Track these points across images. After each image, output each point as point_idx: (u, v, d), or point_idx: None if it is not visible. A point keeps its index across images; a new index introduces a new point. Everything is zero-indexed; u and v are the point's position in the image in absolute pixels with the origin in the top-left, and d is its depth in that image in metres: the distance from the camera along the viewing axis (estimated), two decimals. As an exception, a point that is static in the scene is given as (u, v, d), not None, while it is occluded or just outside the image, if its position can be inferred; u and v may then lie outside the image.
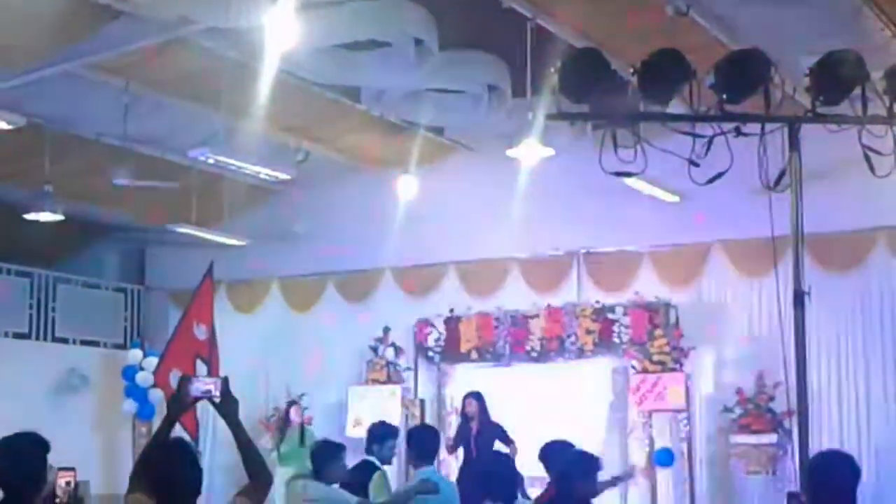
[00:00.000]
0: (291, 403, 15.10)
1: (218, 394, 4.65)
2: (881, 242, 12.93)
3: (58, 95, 12.05)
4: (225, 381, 4.73)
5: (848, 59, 5.88)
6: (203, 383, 4.66)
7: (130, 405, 16.12)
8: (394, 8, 10.23)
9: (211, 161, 12.96)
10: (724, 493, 13.42)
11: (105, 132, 13.19)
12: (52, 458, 5.21)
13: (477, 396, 12.62)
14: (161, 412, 15.94)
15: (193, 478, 4.52)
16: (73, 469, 5.86)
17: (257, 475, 4.64)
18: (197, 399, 4.64)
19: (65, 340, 16.80)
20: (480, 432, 12.36)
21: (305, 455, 9.27)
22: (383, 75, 11.27)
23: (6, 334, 16.06)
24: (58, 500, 5.15)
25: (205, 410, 8.40)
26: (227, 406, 4.70)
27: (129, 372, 16.17)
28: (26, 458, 4.89)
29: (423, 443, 8.19)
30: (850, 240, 12.91)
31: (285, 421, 14.94)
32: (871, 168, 5.96)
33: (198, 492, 4.56)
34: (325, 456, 8.03)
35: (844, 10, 9.51)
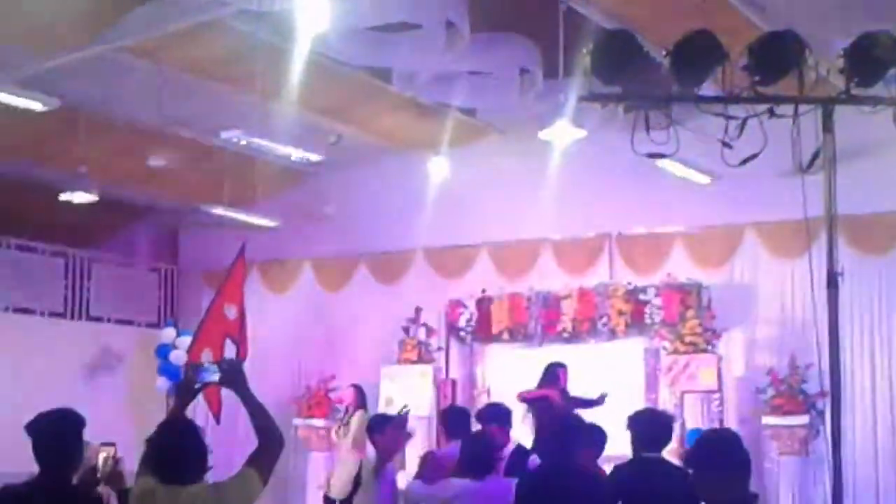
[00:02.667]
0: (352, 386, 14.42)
1: (217, 378, 4.88)
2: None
3: (92, 78, 12.12)
4: (224, 363, 5.12)
5: (883, 40, 5.84)
6: (207, 371, 4.99)
7: (164, 383, 16.24)
8: (424, -11, 10.25)
9: (243, 143, 13.03)
10: (756, 474, 13.27)
11: (139, 114, 13.27)
12: (89, 436, 5.29)
13: (565, 368, 11.88)
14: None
15: (193, 456, 4.58)
16: (113, 444, 5.97)
17: (265, 437, 4.71)
18: (202, 386, 4.93)
19: (99, 319, 16.96)
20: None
21: None
22: (415, 58, 11.29)
23: (42, 313, 16.23)
24: (98, 475, 5.26)
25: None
26: (230, 383, 4.89)
27: (163, 350, 16.28)
28: (62, 435, 4.99)
29: (457, 421, 8.26)
30: (884, 221, 12.85)
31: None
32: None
33: (201, 469, 4.62)
34: None
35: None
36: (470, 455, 7.38)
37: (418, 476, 7.95)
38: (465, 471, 7.32)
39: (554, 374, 11.72)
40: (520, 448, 8.59)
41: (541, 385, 11.66)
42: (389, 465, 7.65)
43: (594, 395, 11.76)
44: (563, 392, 11.63)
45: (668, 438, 7.00)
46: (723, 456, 4.81)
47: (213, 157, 14.57)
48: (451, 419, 8.59)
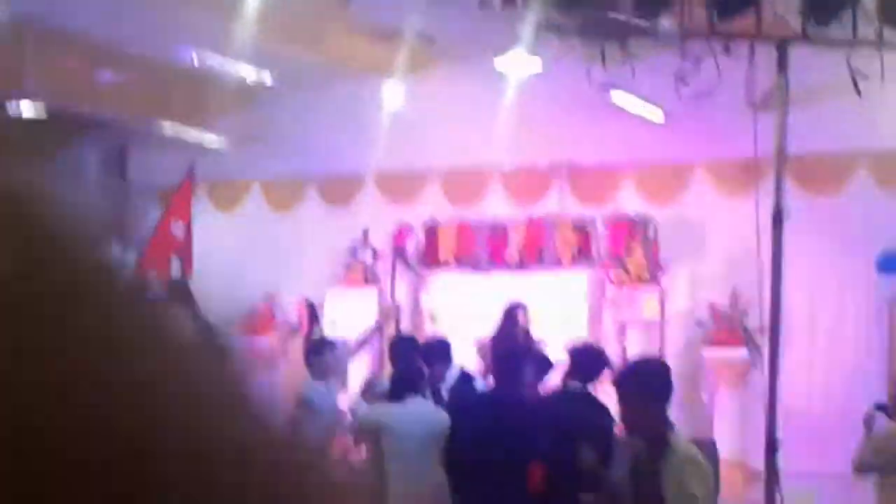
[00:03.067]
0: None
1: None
2: (864, 165, 13.04)
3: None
4: (172, 284, 4.97)
5: (840, -19, 5.89)
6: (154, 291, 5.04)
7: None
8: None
9: (195, 61, 12.89)
10: (693, 405, 13.63)
11: (89, 29, 13.06)
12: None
13: (525, 308, 11.60)
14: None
15: None
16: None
17: None
18: None
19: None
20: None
21: None
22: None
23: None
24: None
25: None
26: (175, 299, 4.87)
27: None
28: None
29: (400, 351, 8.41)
30: (833, 162, 13.01)
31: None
32: (858, 91, 6.00)
33: None
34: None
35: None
36: (396, 379, 7.65)
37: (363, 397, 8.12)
38: (392, 394, 7.55)
39: (513, 315, 11.49)
40: (463, 374, 8.73)
41: (501, 326, 11.39)
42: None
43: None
44: (525, 333, 11.52)
45: (595, 372, 7.06)
46: (644, 386, 4.93)
47: (163, 74, 14.39)
48: (396, 350, 8.67)
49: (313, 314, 14.13)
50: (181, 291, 4.97)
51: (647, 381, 4.99)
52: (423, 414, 7.19)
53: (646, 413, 4.90)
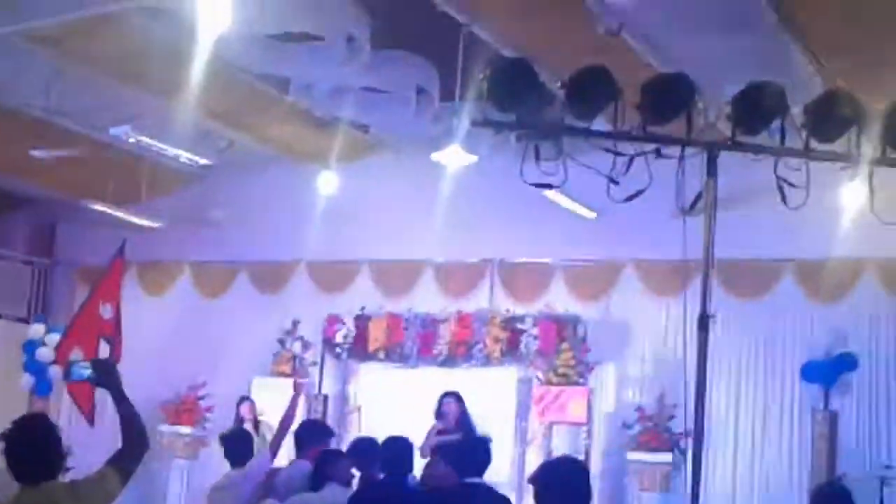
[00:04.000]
0: (243, 399, 14.03)
1: (88, 374, 4.87)
2: (790, 272, 13.21)
3: (-20, 61, 11.86)
4: (97, 362, 5.26)
5: (770, 90, 6.01)
6: (80, 367, 5.00)
7: (28, 380, 15.88)
8: (328, 2, 10.24)
9: (132, 140, 12.88)
10: (618, 508, 13.59)
11: (27, 103, 12.99)
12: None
13: (457, 397, 11.44)
14: (58, 389, 15.82)
15: (46, 454, 4.51)
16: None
17: (131, 439, 4.66)
18: (74, 382, 4.96)
19: (-35, 310, 16.53)
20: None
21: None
22: (313, 68, 11.26)
23: None
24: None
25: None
26: (102, 383, 4.90)
27: (30, 347, 15.92)
28: None
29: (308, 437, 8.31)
30: (759, 268, 13.17)
31: (238, 420, 13.66)
32: (784, 199, 6.09)
33: (55, 467, 4.54)
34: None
35: (772, 42, 9.71)
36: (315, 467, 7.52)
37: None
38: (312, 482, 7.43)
39: (438, 406, 11.37)
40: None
41: (435, 416, 11.33)
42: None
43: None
44: (458, 421, 11.30)
45: (487, 463, 6.96)
46: (562, 486, 4.88)
47: (100, 152, 14.32)
48: (304, 435, 8.50)
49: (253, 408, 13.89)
50: (105, 372, 4.88)
51: (566, 481, 4.93)
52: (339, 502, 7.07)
53: None
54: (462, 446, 7.36)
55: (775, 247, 12.88)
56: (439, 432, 11.03)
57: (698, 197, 6.05)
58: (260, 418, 13.68)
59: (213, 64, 11.00)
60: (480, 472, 6.74)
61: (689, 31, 9.88)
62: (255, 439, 11.65)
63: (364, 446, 8.13)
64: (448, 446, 7.31)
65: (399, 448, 7.51)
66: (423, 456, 10.15)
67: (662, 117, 6.04)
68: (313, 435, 8.38)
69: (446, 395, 11.51)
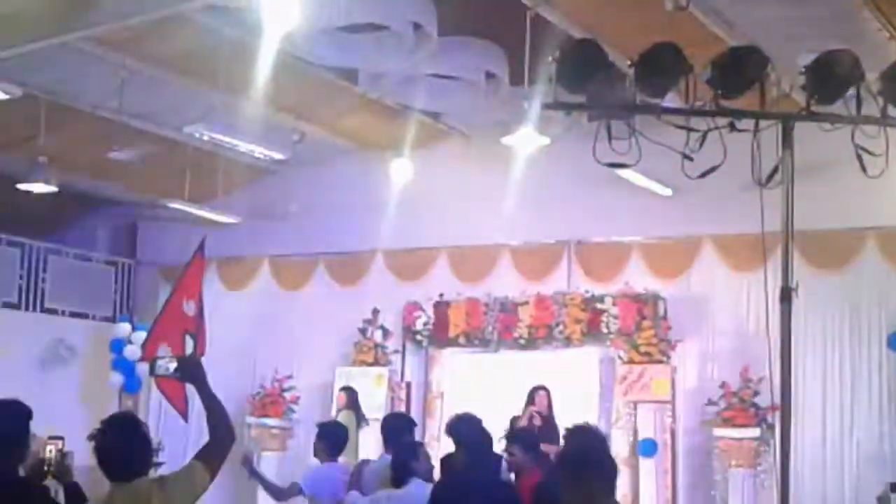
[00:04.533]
0: (343, 389, 14.21)
1: (173, 368, 4.96)
2: (871, 242, 13.01)
3: (56, 67, 12.06)
4: (181, 359, 5.32)
5: (844, 58, 5.91)
6: (164, 363, 5.09)
7: (117, 378, 16.17)
8: (394, -9, 10.28)
9: (206, 138, 13.02)
10: (706, 485, 13.49)
11: (102, 106, 13.20)
12: (40, 429, 5.27)
13: (548, 391, 12.36)
14: (147, 386, 16.08)
15: (136, 452, 4.58)
16: (61, 438, 5.98)
17: (218, 432, 4.71)
18: (161, 377, 5.02)
19: (54, 311, 16.83)
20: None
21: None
22: (381, 58, 11.30)
23: (-4, 303, 16.11)
24: (47, 468, 5.26)
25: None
26: (188, 377, 4.91)
27: (117, 345, 16.20)
28: (8, 426, 4.97)
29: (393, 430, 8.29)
30: (840, 238, 12.99)
31: (338, 410, 13.96)
32: (863, 168, 5.99)
33: (145, 464, 4.61)
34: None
35: (844, 9, 9.55)
36: (394, 463, 7.44)
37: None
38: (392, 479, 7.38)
39: (531, 397, 12.21)
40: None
41: (525, 407, 12.10)
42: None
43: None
44: (544, 416, 11.96)
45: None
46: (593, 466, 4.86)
47: (175, 151, 14.52)
48: (388, 428, 8.51)
49: (353, 399, 13.96)
50: (190, 367, 4.94)
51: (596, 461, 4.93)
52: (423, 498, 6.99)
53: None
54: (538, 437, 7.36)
55: (855, 216, 12.71)
56: (531, 416, 11.72)
57: (775, 169, 5.97)
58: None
59: (282, 58, 11.10)
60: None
61: (758, 2, 9.76)
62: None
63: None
64: (528, 435, 7.33)
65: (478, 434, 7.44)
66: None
67: (735, 91, 5.97)
68: (397, 428, 8.39)
69: (538, 388, 12.27)
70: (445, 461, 7.55)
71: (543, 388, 12.34)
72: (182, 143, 14.07)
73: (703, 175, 6.12)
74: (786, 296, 5.93)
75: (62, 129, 13.51)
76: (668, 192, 13.19)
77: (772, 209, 5.99)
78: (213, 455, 4.68)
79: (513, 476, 7.70)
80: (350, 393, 14.01)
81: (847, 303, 13.15)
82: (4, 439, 4.97)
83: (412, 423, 8.97)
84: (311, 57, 11.44)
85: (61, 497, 5.29)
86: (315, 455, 8.87)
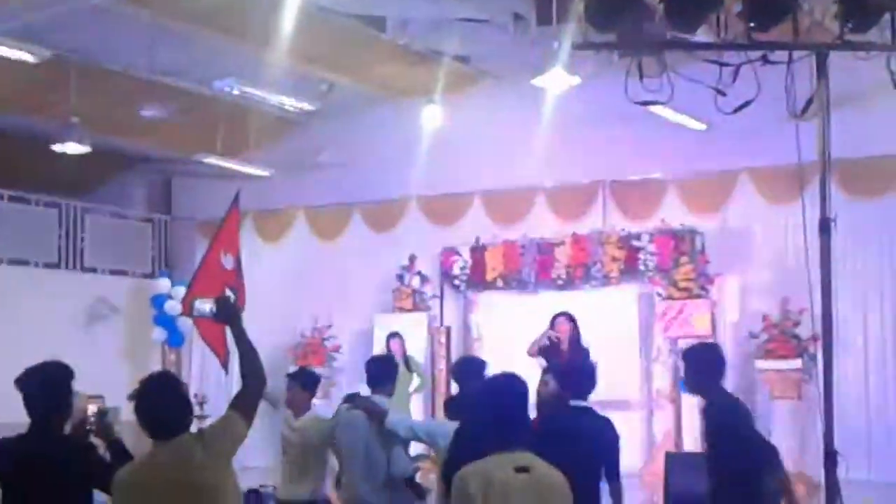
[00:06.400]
0: (392, 336, 13.91)
1: (211, 309, 5.06)
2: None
3: (84, 28, 12.08)
4: (220, 299, 5.26)
5: (877, -15, 5.83)
6: (202, 303, 5.09)
7: (160, 333, 16.31)
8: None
9: (236, 92, 13.03)
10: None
11: (131, 64, 13.22)
12: (83, 386, 5.35)
13: (569, 317, 11.48)
14: (189, 340, 16.21)
15: (175, 410, 4.62)
16: (101, 396, 6.06)
17: (248, 377, 4.76)
18: (199, 318, 5.01)
19: (94, 270, 16.99)
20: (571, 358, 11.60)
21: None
22: (408, 4, 11.25)
23: (36, 264, 16.24)
24: (89, 427, 5.33)
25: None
26: (223, 315, 4.97)
27: (158, 301, 16.33)
28: (51, 386, 5.05)
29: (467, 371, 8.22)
30: (877, 165, 12.86)
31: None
32: (900, 94, 5.92)
33: (185, 421, 4.66)
34: None
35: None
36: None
37: None
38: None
39: (551, 325, 11.39)
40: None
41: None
42: None
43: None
44: (571, 341, 11.46)
45: (593, 387, 6.83)
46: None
47: (205, 106, 14.54)
48: (459, 372, 8.45)
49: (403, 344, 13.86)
50: (227, 307, 5.00)
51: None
52: None
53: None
54: (571, 369, 7.27)
55: (892, 143, 12.56)
56: (549, 342, 11.14)
57: (810, 101, 5.91)
58: (408, 354, 13.79)
59: (307, 9, 11.06)
60: (585, 396, 6.69)
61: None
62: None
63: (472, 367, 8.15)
64: (558, 367, 7.25)
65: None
66: (529, 355, 10.80)
67: (767, 22, 5.89)
68: (470, 370, 8.32)
69: (559, 315, 11.59)
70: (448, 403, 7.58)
71: (565, 314, 11.51)
72: (212, 98, 14.09)
73: (738, 110, 6.07)
74: (825, 227, 5.89)
75: (93, 89, 13.55)
76: (702, 126, 13.10)
77: (807, 140, 5.94)
78: (247, 402, 4.74)
79: None
80: (401, 340, 13.82)
81: (887, 232, 13.05)
82: (49, 401, 5.05)
83: (483, 364, 8.69)
84: (337, 6, 11.40)
85: (107, 455, 5.36)
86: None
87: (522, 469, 4.48)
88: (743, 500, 6.04)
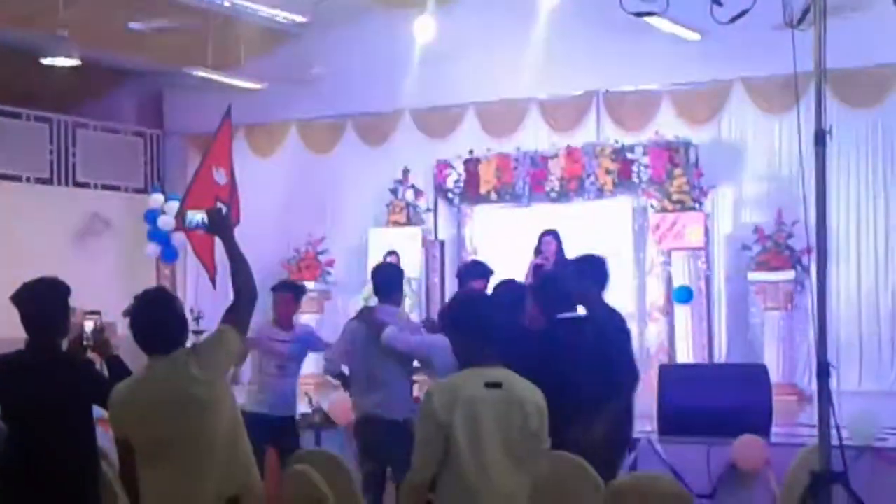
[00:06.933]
0: (390, 253, 13.90)
1: (203, 220, 5.02)
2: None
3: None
4: (211, 210, 5.12)
5: None
6: (193, 214, 5.05)
7: (154, 248, 16.29)
8: None
9: (226, 3, 12.87)
10: (742, 329, 13.58)
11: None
12: (78, 302, 5.35)
13: (555, 235, 11.95)
14: (184, 255, 16.21)
15: (170, 326, 4.64)
16: (98, 312, 6.04)
17: (243, 291, 4.77)
18: (191, 229, 4.95)
19: (86, 185, 16.92)
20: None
21: None
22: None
23: (28, 179, 16.17)
24: (86, 342, 5.34)
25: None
26: (214, 227, 4.99)
27: (151, 216, 16.29)
28: (47, 302, 5.06)
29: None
30: (873, 75, 12.79)
31: None
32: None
33: (179, 337, 4.67)
34: None
35: None
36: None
37: None
38: None
39: (539, 243, 11.94)
40: None
41: (535, 254, 11.87)
42: None
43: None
44: (556, 258, 11.63)
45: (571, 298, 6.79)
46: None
47: (196, 18, 14.36)
48: (466, 271, 8.49)
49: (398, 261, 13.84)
50: (218, 218, 4.99)
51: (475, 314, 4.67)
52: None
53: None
54: (542, 284, 7.17)
55: (888, 52, 12.46)
56: (536, 267, 11.25)
57: (807, 10, 5.84)
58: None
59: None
60: (571, 306, 6.64)
61: None
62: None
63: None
64: (534, 287, 7.20)
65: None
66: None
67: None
68: (473, 273, 8.32)
69: (545, 233, 11.91)
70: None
71: (551, 232, 11.94)
72: (202, 9, 13.92)
73: (734, 20, 5.99)
74: (820, 138, 5.84)
75: (82, 3, 13.37)
76: (696, 36, 12.98)
77: (803, 49, 5.88)
78: (240, 314, 4.77)
79: None
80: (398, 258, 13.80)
81: (882, 142, 13.01)
82: (45, 318, 5.06)
83: (488, 271, 8.63)
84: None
85: (105, 371, 5.38)
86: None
87: (494, 384, 4.39)
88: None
